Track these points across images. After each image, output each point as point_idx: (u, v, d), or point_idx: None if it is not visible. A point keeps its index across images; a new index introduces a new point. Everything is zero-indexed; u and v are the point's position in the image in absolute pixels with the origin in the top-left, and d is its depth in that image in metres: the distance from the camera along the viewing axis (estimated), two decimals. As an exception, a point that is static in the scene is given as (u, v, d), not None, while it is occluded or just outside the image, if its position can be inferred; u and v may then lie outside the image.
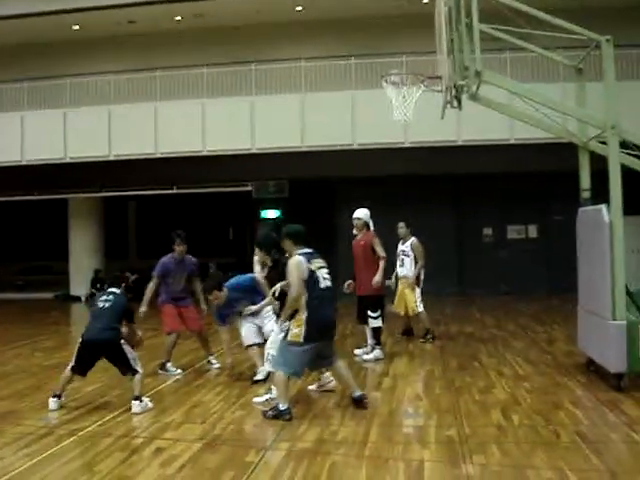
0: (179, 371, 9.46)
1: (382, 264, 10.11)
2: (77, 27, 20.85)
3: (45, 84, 19.69)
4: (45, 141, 19.10)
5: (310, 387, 8.19)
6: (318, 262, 7.21)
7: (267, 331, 8.55)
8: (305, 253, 7.18)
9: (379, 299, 10.29)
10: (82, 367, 7.63)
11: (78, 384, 8.79)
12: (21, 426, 6.91)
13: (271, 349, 7.81)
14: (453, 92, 8.46)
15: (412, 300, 11.49)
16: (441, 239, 18.77)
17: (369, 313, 10.20)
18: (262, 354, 8.53)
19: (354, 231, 10.54)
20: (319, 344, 7.06)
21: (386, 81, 10.15)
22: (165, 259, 9.69)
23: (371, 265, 10.15)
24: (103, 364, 10.19)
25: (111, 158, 18.82)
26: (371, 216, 10.39)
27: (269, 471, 5.44)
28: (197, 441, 6.25)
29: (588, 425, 6.50)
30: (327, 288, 7.17)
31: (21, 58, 21.38)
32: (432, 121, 10.63)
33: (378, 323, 10.24)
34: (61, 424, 6.95)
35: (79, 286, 22.41)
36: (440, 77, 8.84)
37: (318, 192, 19.83)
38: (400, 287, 11.73)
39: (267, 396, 7.57)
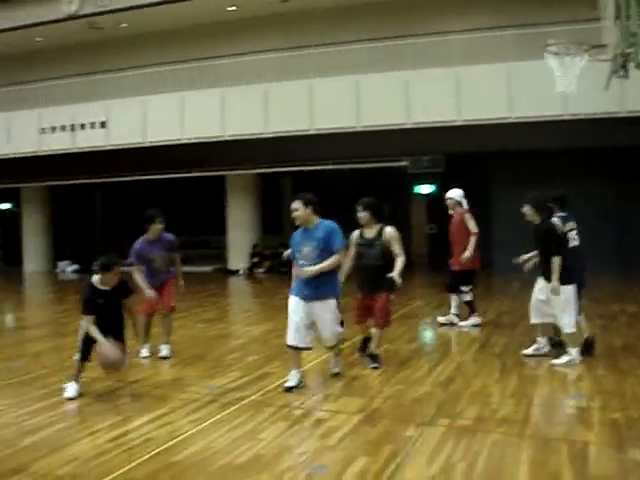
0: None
1: (473, 240, 10.54)
2: (233, 8, 21.33)
3: (202, 65, 20.37)
4: (204, 120, 19.80)
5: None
6: (570, 225, 8.42)
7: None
8: (561, 217, 8.35)
9: (471, 274, 10.88)
10: None
11: (239, 354, 9.14)
12: (187, 393, 7.25)
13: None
14: (620, 61, 8.10)
15: None
16: (602, 216, 18.15)
17: (461, 287, 10.86)
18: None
19: (450, 211, 11.02)
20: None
21: (547, 51, 9.82)
22: None
23: (463, 241, 10.64)
24: (263, 337, 10.53)
25: (268, 135, 19.24)
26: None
27: (429, 447, 5.43)
28: (356, 414, 6.33)
29: None
30: (575, 247, 8.42)
31: (180, 41, 22.18)
32: (593, 91, 10.26)
33: (469, 297, 10.92)
34: (224, 392, 7.22)
35: (236, 260, 23.20)
36: (605, 45, 8.48)
37: (474, 166, 19.46)
38: None
39: (566, 358, 8.08)
